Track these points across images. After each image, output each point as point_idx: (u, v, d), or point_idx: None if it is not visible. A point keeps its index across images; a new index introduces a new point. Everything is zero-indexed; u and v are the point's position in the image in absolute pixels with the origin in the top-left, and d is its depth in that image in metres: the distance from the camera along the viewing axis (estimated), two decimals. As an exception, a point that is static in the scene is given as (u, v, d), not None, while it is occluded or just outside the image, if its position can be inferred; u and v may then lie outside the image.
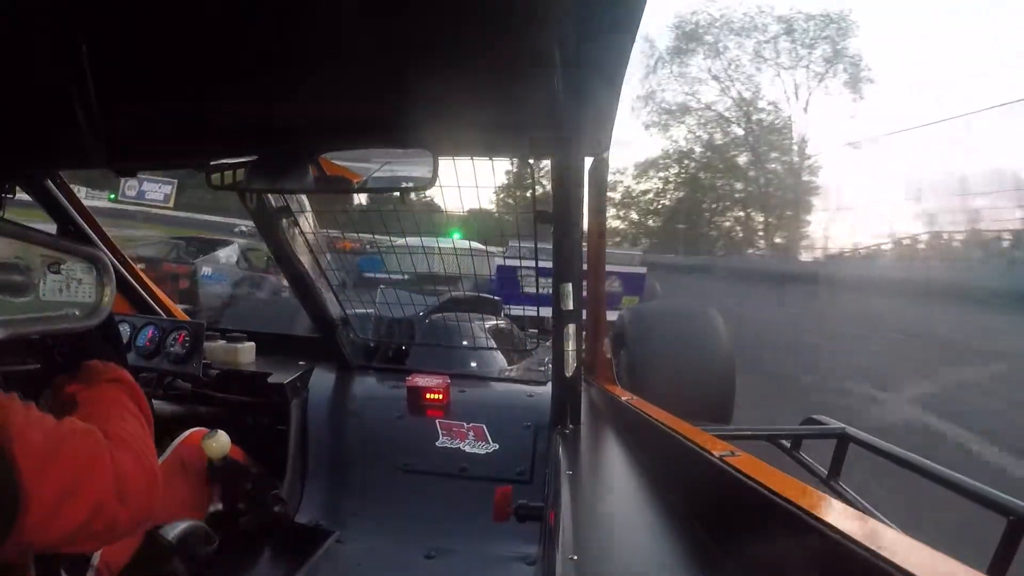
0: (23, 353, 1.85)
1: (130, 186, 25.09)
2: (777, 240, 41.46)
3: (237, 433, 1.75)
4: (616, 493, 1.31)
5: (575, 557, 0.89)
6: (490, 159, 1.60)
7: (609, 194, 2.03)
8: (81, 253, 1.09)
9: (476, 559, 1.84)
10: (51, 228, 1.82)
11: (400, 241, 2.22)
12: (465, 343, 2.69)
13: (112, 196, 25.03)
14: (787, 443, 2.15)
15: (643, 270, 10.35)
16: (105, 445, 0.96)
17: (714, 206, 44.15)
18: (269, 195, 1.83)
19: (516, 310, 3.61)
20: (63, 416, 1.00)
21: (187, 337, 2.18)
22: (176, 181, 27.10)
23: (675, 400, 2.26)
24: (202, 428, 1.76)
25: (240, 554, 1.79)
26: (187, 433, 1.75)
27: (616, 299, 8.87)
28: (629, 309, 4.24)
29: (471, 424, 2.13)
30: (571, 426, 1.70)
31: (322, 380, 2.34)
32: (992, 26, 51.16)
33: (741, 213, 43.51)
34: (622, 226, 45.38)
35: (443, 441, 2.12)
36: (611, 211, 44.77)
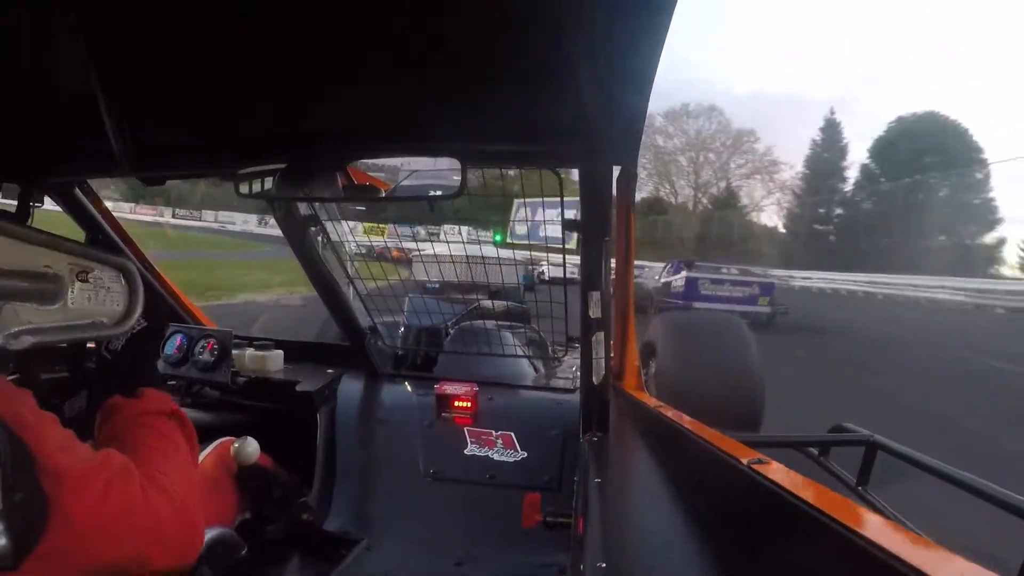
0: (54, 360, 1.88)
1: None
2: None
3: (265, 441, 1.76)
4: (644, 501, 1.31)
5: (603, 565, 0.89)
6: (519, 168, 1.59)
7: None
8: (109, 261, 1.10)
9: (505, 567, 1.83)
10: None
11: (441, 249, 2.22)
12: (494, 351, 2.68)
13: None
14: (815, 451, 2.13)
15: (774, 280, 15.73)
16: (140, 488, 0.96)
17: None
18: (297, 204, 1.83)
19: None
20: (106, 442, 1.01)
21: (215, 345, 2.20)
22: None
23: (705, 408, 2.23)
24: (231, 437, 1.76)
25: (268, 562, 1.79)
26: (217, 442, 1.76)
27: (754, 299, 14.36)
28: (660, 319, 4.23)
29: (499, 432, 2.12)
30: (599, 434, 1.68)
31: (350, 388, 2.35)
32: None
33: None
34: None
35: (471, 449, 2.11)
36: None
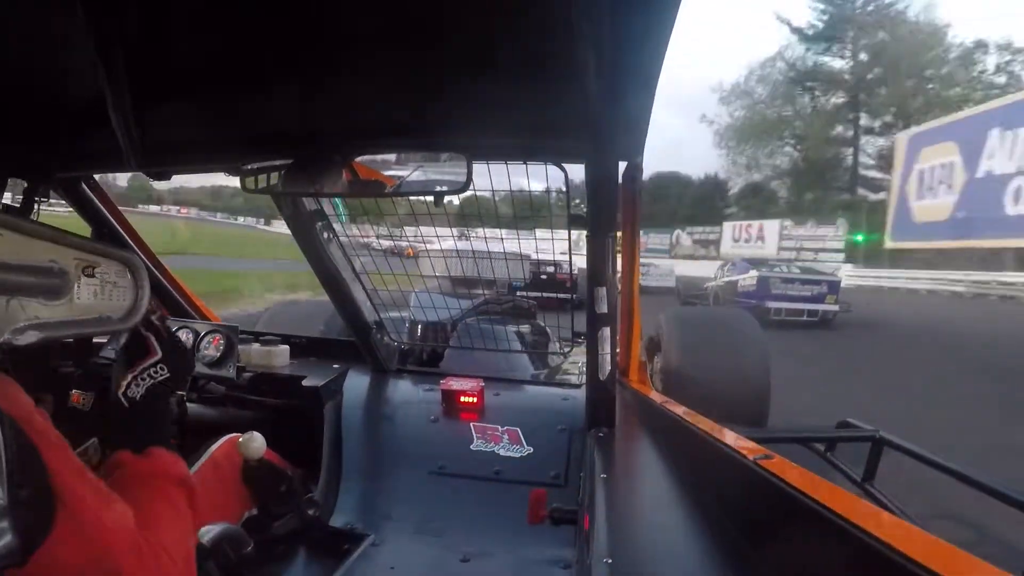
0: (59, 356, 1.88)
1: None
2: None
3: (271, 436, 1.76)
4: (650, 496, 1.32)
5: (610, 560, 0.90)
6: (524, 163, 1.59)
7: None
8: (115, 256, 1.09)
9: (511, 562, 1.83)
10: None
11: (447, 245, 2.22)
12: (500, 347, 2.67)
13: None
14: (821, 447, 2.13)
15: (839, 278, 16.03)
16: (137, 542, 0.94)
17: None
18: (303, 199, 1.83)
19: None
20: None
21: (221, 340, 2.20)
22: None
23: (711, 403, 2.24)
24: (237, 434, 1.77)
25: (274, 557, 1.79)
26: (223, 439, 1.76)
27: (822, 297, 14.48)
28: (665, 314, 4.24)
29: (505, 427, 2.12)
30: (605, 429, 1.69)
31: (356, 383, 2.35)
32: None
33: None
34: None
35: (477, 444, 2.11)
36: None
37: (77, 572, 0.87)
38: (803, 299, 14.46)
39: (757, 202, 45.35)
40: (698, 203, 48.76)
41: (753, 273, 15.10)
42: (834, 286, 14.81)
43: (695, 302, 16.23)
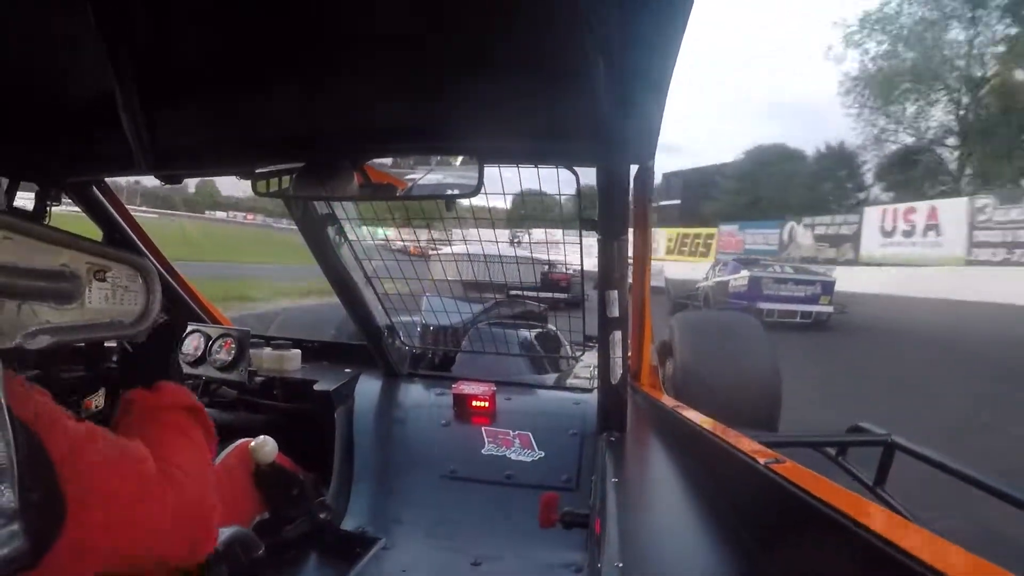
0: (70, 360, 1.89)
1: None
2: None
3: (283, 440, 1.76)
4: (662, 500, 1.32)
5: (621, 564, 0.90)
6: (535, 166, 1.59)
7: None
8: (127, 260, 1.09)
9: (522, 566, 1.83)
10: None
11: (459, 248, 2.23)
12: (511, 351, 2.67)
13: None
14: (832, 451, 2.12)
15: (834, 278, 15.19)
16: (154, 481, 0.98)
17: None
18: (314, 203, 1.84)
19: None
20: (124, 435, 1.02)
21: (233, 344, 2.21)
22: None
23: (723, 409, 2.23)
24: (249, 438, 1.77)
25: (286, 561, 1.80)
26: (235, 444, 1.77)
27: (816, 298, 14.15)
28: (677, 319, 4.23)
29: (517, 432, 2.12)
30: (617, 433, 1.69)
31: (368, 387, 2.35)
32: None
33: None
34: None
35: (489, 449, 2.11)
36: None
37: (111, 553, 0.90)
38: (796, 300, 14.14)
39: (912, 177, 30.44)
40: (816, 184, 34.19)
41: (744, 273, 14.79)
42: (828, 286, 14.50)
43: (686, 303, 15.96)
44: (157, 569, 1.05)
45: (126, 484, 0.93)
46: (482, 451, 2.11)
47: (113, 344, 1.71)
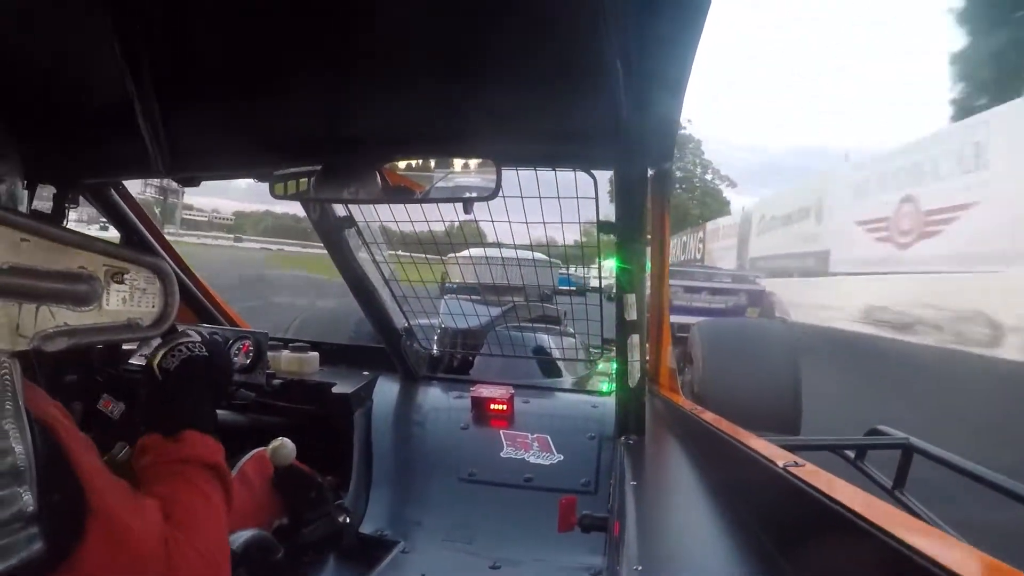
0: (87, 363, 1.90)
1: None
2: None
3: (301, 443, 1.76)
4: (681, 503, 1.31)
5: (640, 568, 0.89)
6: (553, 170, 1.59)
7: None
8: (144, 263, 1.09)
9: (541, 570, 1.83)
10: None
11: (478, 252, 2.23)
12: (529, 354, 2.67)
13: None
14: (851, 454, 2.11)
15: (763, 287, 12.77)
16: (159, 552, 0.91)
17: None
18: (332, 205, 1.84)
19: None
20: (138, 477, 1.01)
21: (251, 347, 2.21)
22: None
23: (744, 414, 2.21)
24: (265, 447, 1.77)
25: (304, 564, 1.80)
26: (252, 453, 1.75)
27: (740, 310, 11.48)
28: (699, 326, 4.21)
29: (535, 435, 2.12)
30: (635, 436, 1.68)
31: (386, 390, 2.36)
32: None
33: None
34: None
35: (507, 452, 2.11)
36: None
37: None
38: (714, 312, 11.15)
39: None
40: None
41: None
42: (756, 296, 12.01)
43: None
44: None
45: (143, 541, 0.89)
46: (500, 454, 2.11)
47: (143, 363, 1.69)
